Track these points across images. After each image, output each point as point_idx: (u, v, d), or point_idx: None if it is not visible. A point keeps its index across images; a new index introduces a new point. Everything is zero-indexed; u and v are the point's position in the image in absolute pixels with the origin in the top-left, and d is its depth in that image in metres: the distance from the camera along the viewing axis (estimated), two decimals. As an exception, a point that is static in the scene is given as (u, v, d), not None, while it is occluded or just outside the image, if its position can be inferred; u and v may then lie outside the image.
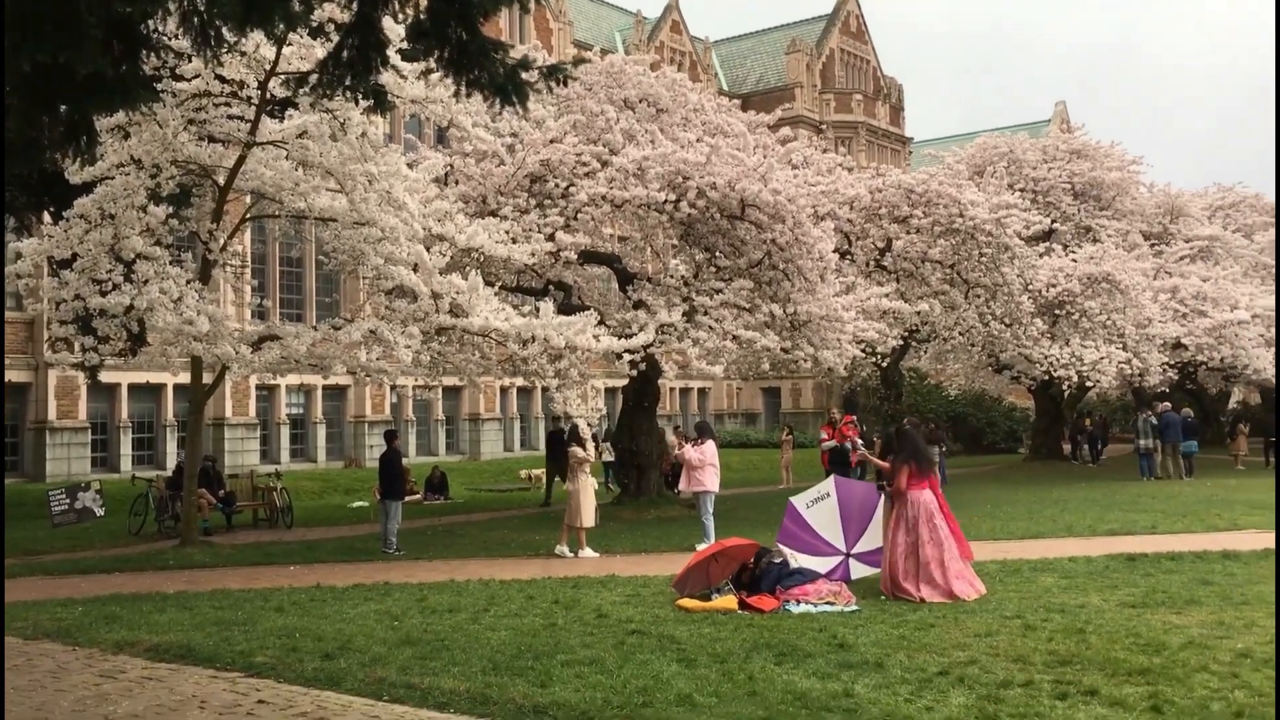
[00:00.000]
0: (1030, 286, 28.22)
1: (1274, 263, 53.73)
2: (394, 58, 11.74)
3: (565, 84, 7.98)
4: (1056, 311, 29.71)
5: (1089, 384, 30.38)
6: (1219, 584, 11.50)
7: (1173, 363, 32.20)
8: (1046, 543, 15.50)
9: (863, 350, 23.40)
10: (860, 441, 19.40)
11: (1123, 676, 7.68)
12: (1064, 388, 31.29)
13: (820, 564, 11.71)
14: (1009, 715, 6.78)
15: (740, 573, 11.30)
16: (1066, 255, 30.84)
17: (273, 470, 25.23)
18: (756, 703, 7.11)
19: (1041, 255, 30.21)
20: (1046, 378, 30.00)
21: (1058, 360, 28.68)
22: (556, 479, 23.14)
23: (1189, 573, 12.27)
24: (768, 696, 7.25)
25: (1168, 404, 30.31)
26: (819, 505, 12.20)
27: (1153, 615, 9.85)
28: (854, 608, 10.52)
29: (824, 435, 21.88)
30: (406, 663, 8.41)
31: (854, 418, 21.10)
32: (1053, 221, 33.16)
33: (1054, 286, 29.38)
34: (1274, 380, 34.45)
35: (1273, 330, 33.39)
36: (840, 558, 11.88)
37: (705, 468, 15.70)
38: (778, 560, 11.35)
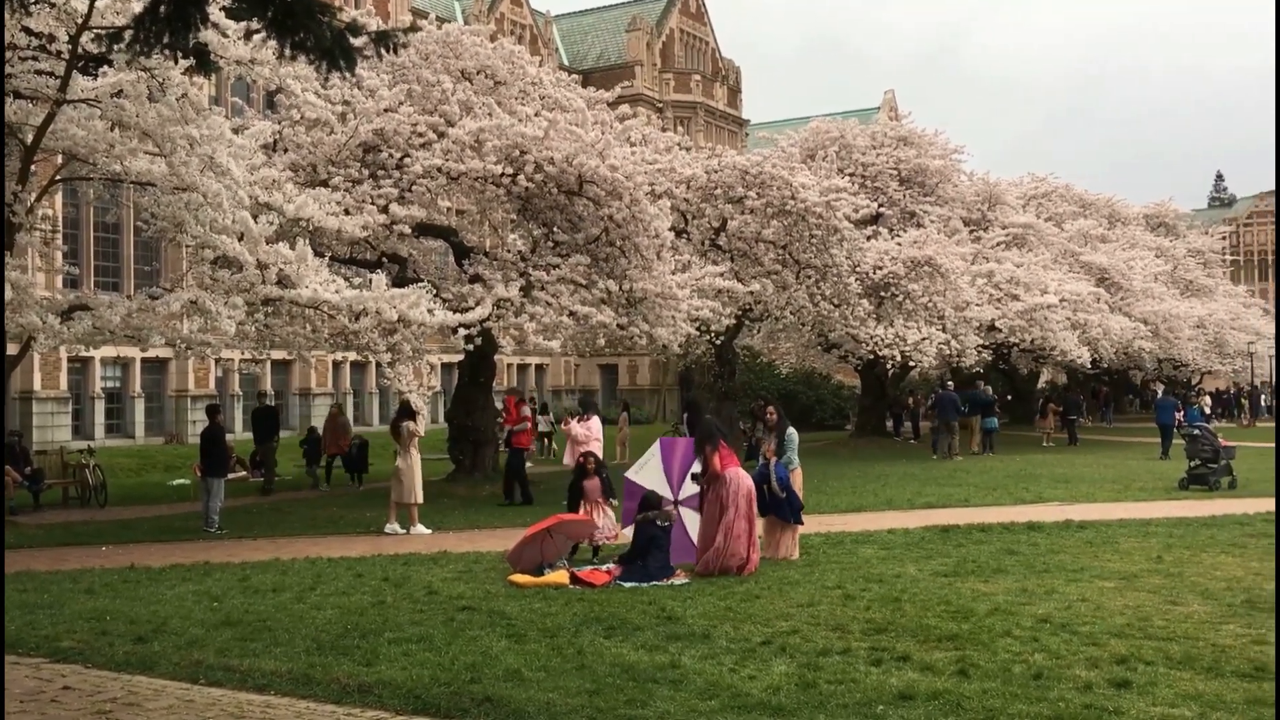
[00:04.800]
0: (858, 268, 29.12)
1: (1210, 259, 57.03)
2: (218, 16, 11.23)
3: (396, 51, 7.78)
4: (882, 293, 30.76)
5: (911, 363, 31.63)
6: (1024, 554, 12.19)
7: (987, 344, 33.81)
8: (868, 516, 16.11)
9: (697, 328, 23.76)
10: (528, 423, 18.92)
11: (933, 642, 8.06)
12: (888, 367, 32.45)
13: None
14: (826, 682, 7.03)
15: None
16: (892, 239, 31.94)
17: (85, 446, 23.96)
18: (584, 676, 7.17)
19: (869, 238, 31.19)
20: (872, 357, 31.06)
21: (882, 340, 29.71)
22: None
23: (997, 543, 12.96)
24: (596, 669, 7.32)
25: (982, 383, 31.87)
26: (646, 467, 12.63)
27: (963, 584, 10.37)
28: (684, 581, 10.72)
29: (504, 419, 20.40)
30: (225, 644, 8.15)
31: (515, 399, 20.05)
32: (880, 206, 34.29)
33: (880, 269, 30.40)
34: (1091, 363, 36.59)
35: (1078, 314, 35.45)
36: (671, 506, 12.07)
37: (591, 442, 16.67)
38: (664, 524, 11.33)
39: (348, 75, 7.32)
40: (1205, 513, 15.66)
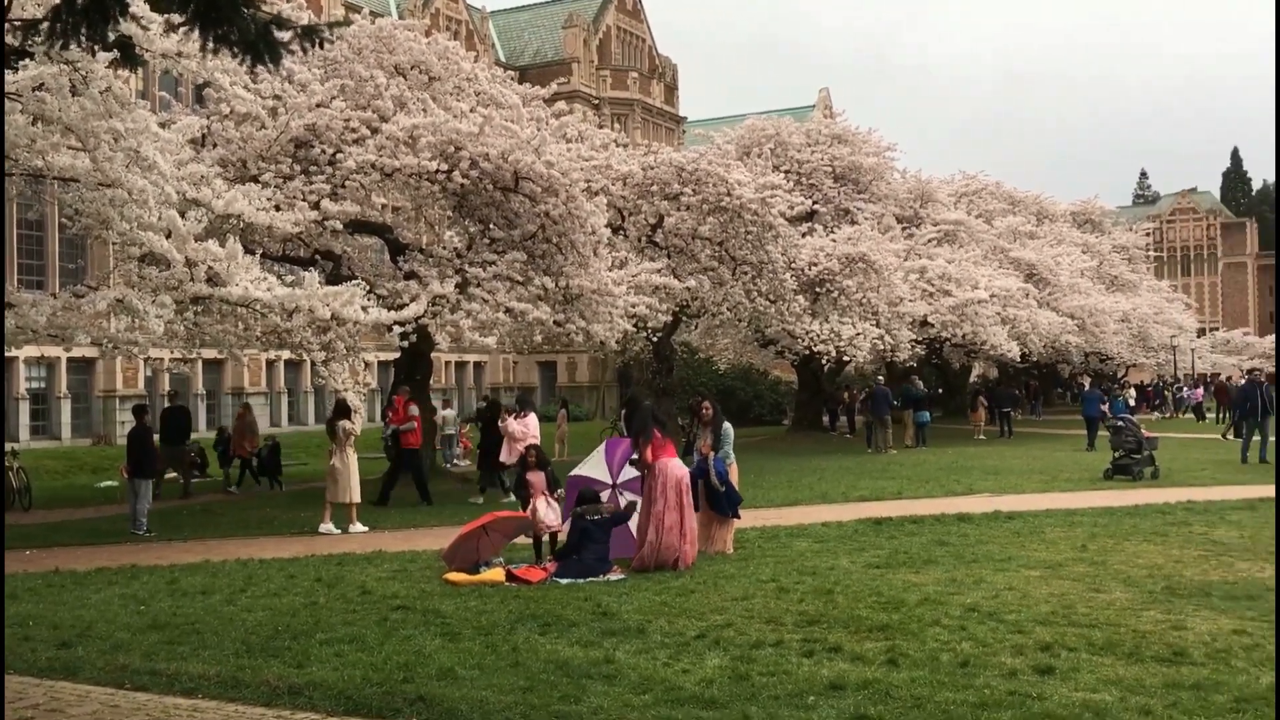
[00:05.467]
0: (793, 265, 29.38)
1: (1134, 254, 57.89)
2: (141, 8, 11.01)
3: (323, 46, 7.70)
4: (817, 289, 31.07)
5: (846, 359, 32.00)
6: (954, 544, 12.40)
7: (920, 339, 34.31)
8: (803, 509, 16.27)
9: (634, 325, 23.80)
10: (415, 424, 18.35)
11: (865, 633, 8.18)
12: (824, 362, 32.81)
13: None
14: (759, 674, 7.10)
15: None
16: (827, 236, 32.28)
17: (9, 449, 23.38)
18: (519, 673, 7.17)
19: (804, 235, 31.51)
20: (808, 352, 31.38)
21: (818, 336, 30.04)
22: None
23: (928, 535, 13.17)
24: (530, 666, 7.32)
25: (915, 377, 32.31)
26: (588, 461, 12.79)
27: (894, 575, 10.53)
28: (620, 577, 10.74)
29: (390, 418, 19.71)
30: (152, 648, 8.01)
31: (404, 398, 19.33)
32: (814, 203, 34.63)
33: (815, 265, 30.71)
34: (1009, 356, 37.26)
35: (1008, 309, 36.10)
36: (609, 489, 12.13)
37: (528, 440, 16.49)
38: (595, 517, 11.33)
39: (274, 69, 7.23)
40: (1129, 502, 16.05)
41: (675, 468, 11.52)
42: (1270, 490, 17.29)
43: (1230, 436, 31.15)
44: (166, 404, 23.48)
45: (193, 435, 23.20)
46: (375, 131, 18.64)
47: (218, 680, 7.15)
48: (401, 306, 17.57)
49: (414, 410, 18.91)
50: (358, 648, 7.88)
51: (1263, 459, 22.37)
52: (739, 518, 12.46)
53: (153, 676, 7.30)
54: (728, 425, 12.88)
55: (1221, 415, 36.08)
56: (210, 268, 14.89)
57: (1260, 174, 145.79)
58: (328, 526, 15.16)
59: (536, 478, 12.19)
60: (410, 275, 19.04)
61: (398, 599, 9.73)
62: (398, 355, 21.75)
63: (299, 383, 42.33)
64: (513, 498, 16.83)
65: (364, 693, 6.80)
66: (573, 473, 12.66)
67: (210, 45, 6.66)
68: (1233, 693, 6.52)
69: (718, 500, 12.20)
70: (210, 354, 24.80)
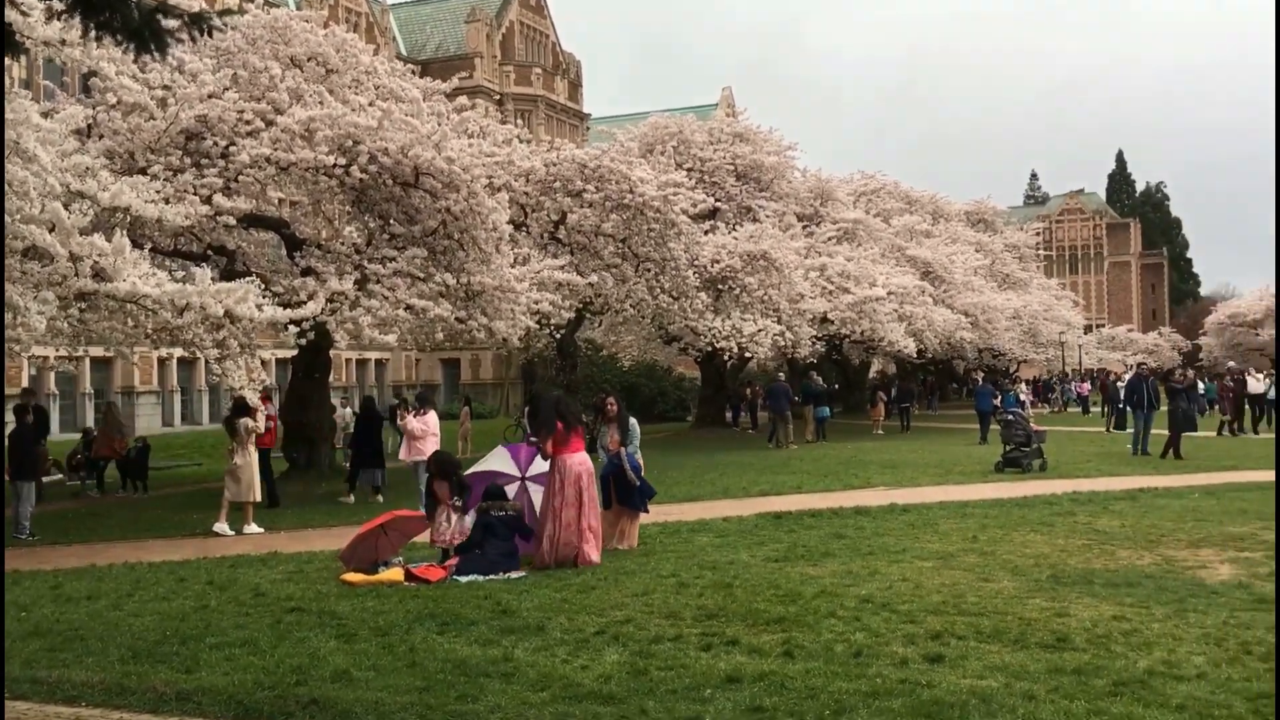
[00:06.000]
0: (696, 262, 29.59)
1: (1025, 253, 59.15)
2: (19, -7, 10.59)
3: (211, 34, 7.54)
4: (719, 286, 31.32)
5: (748, 355, 32.35)
6: (850, 537, 12.63)
7: (821, 335, 34.85)
8: (705, 504, 16.41)
9: (537, 322, 23.71)
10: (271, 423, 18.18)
11: (762, 626, 8.29)
12: (726, 359, 33.11)
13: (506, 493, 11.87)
14: (657, 669, 7.15)
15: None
16: (729, 233, 32.57)
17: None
18: (416, 673, 7.11)
19: (706, 232, 31.71)
20: (711, 349, 31.62)
21: (720, 332, 30.27)
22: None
23: (826, 528, 13.40)
24: (427, 666, 7.26)
25: (814, 373, 32.83)
26: (490, 457, 12.73)
27: (792, 568, 10.68)
28: (521, 574, 10.70)
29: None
30: (33, 656, 7.74)
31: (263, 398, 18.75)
32: (717, 201, 34.91)
33: (717, 263, 30.95)
34: (910, 351, 38.07)
35: (905, 306, 36.88)
36: (518, 482, 12.04)
37: (427, 438, 16.43)
38: (500, 514, 11.24)
39: (161, 58, 7.04)
40: (1018, 494, 16.55)
41: (577, 463, 11.43)
42: (1150, 481, 18.01)
43: (1114, 429, 32.36)
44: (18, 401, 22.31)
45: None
46: (270, 124, 18.23)
47: (102, 687, 6.94)
48: (299, 304, 17.23)
49: (270, 410, 18.43)
50: (250, 651, 7.72)
51: (1144, 451, 23.25)
52: (648, 512, 12.53)
53: (33, 685, 7.05)
54: (633, 421, 12.92)
55: (1105, 409, 37.39)
56: (96, 262, 14.42)
57: (1143, 175, 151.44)
58: (222, 527, 14.81)
59: (441, 487, 11.88)
60: (308, 272, 18.68)
61: (292, 601, 9.56)
62: (295, 353, 21.37)
63: (193, 381, 41.28)
64: (381, 499, 16.85)
65: (255, 697, 6.67)
66: (475, 469, 12.57)
67: (93, 33, 6.47)
68: (1111, 677, 6.77)
69: (631, 495, 12.23)
70: (98, 352, 24.03)
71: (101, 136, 17.95)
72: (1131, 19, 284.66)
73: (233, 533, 14.67)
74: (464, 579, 10.45)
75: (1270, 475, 18.73)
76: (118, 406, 25.13)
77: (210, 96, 18.13)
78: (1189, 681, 6.64)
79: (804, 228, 38.46)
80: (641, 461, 12.80)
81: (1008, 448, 21.04)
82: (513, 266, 21.27)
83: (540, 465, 12.01)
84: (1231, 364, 65.73)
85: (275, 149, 17.81)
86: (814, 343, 33.84)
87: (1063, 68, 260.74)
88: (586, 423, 13.45)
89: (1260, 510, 14.19)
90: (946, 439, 31.46)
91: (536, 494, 11.93)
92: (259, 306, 15.72)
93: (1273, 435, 29.69)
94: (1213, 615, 8.32)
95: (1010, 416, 21.89)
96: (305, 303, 17.23)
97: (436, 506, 11.74)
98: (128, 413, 37.79)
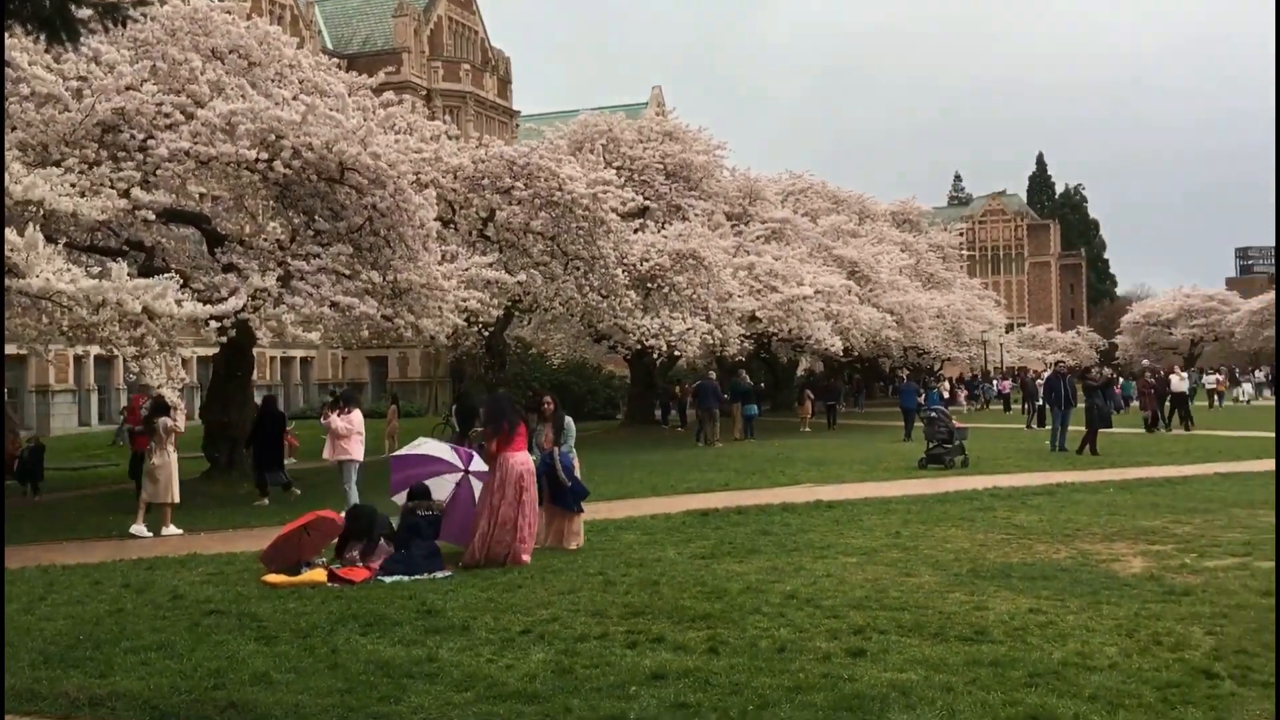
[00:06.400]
0: (625, 260, 29.60)
1: (949, 253, 59.88)
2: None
3: (126, 24, 7.35)
4: (649, 285, 31.37)
5: (677, 353, 32.45)
6: (776, 534, 12.75)
7: (749, 334, 35.09)
8: (633, 502, 16.45)
9: (466, 320, 23.54)
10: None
11: (688, 622, 8.33)
12: (656, 357, 33.18)
13: (444, 484, 11.75)
14: (583, 667, 7.15)
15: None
16: (658, 232, 32.64)
17: None
18: (337, 675, 7.02)
19: (636, 231, 31.75)
20: (640, 347, 31.67)
21: (649, 331, 30.31)
22: None
23: (753, 525, 13.51)
24: (350, 668, 7.17)
25: (742, 371, 33.05)
26: (423, 443, 12.69)
27: (719, 565, 10.75)
28: (447, 574, 10.63)
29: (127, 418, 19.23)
30: (-62, 663, 7.49)
31: (142, 398, 19.03)
32: (646, 199, 34.97)
33: (646, 261, 30.99)
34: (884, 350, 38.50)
35: (831, 305, 37.30)
36: (460, 474, 11.90)
37: (352, 436, 16.10)
38: (426, 514, 11.10)
39: (72, 49, 6.87)
40: (940, 490, 16.85)
41: (519, 463, 11.38)
42: (1067, 476, 18.44)
43: (1034, 426, 33.07)
44: None
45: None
46: (190, 117, 17.85)
47: (12, 693, 6.75)
48: (220, 300, 16.92)
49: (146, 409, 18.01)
50: (166, 655, 7.57)
51: (1062, 447, 23.80)
52: (582, 511, 12.49)
53: (-63, 693, 6.83)
54: (569, 420, 12.87)
55: (1025, 407, 38.18)
56: (8, 258, 14.01)
57: (1062, 178, 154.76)
58: (140, 528, 14.48)
59: (354, 548, 11.39)
60: (229, 268, 18.33)
61: (211, 603, 9.38)
62: (217, 351, 20.96)
63: (110, 380, 40.27)
64: (299, 492, 16.65)
65: (171, 701, 6.54)
66: (410, 449, 12.47)
67: (2, 21, 6.28)
68: (1027, 668, 6.92)
69: (563, 494, 12.20)
70: (10, 349, 23.35)
71: (14, 128, 17.42)
72: (1054, 20, 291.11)
73: (150, 534, 14.35)
74: (389, 579, 10.35)
75: (1179, 470, 19.32)
76: (7, 406, 24.18)
77: (128, 89, 17.70)
78: (1101, 672, 6.82)
79: (733, 226, 38.70)
80: (577, 461, 12.77)
81: (931, 445, 21.39)
82: (440, 264, 21.08)
83: (480, 464, 11.94)
84: (1146, 362, 67.34)
85: (195, 143, 17.45)
86: (742, 341, 34.05)
87: (985, 69, 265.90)
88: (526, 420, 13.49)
89: (1172, 504, 14.63)
90: (872, 436, 31.89)
91: (479, 488, 11.84)
92: (178, 303, 15.42)
93: (1185, 432, 30.60)
94: (1125, 607, 8.55)
95: (934, 414, 22.25)
96: (226, 299, 16.92)
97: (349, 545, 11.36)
98: (42, 412, 36.81)
